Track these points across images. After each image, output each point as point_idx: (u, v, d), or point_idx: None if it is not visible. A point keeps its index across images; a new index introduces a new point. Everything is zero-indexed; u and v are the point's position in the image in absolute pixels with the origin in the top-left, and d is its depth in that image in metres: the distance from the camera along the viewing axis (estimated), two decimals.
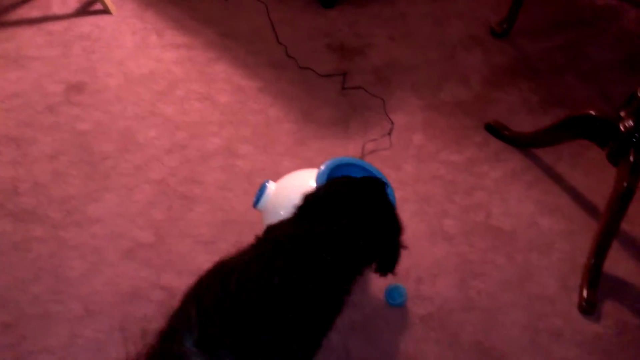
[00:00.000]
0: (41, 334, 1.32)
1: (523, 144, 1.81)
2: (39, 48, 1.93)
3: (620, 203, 1.50)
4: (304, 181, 1.40)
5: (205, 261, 1.46)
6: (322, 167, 1.39)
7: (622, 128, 1.51)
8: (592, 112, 1.59)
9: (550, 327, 1.44)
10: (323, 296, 1.08)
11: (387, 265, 1.27)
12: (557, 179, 1.76)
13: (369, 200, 1.22)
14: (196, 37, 2.02)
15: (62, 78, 1.84)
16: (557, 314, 1.46)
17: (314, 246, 1.09)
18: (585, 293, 1.47)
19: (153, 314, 1.36)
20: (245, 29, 2.08)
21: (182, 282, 1.40)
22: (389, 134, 1.81)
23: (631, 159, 1.49)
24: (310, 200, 1.21)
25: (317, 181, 1.37)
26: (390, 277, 1.47)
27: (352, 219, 1.15)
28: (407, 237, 1.56)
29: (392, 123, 1.84)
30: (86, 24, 2.02)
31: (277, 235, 1.13)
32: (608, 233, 1.51)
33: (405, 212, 1.61)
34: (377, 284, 1.47)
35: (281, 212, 1.34)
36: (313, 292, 1.04)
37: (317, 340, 1.08)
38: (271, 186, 1.42)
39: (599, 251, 1.50)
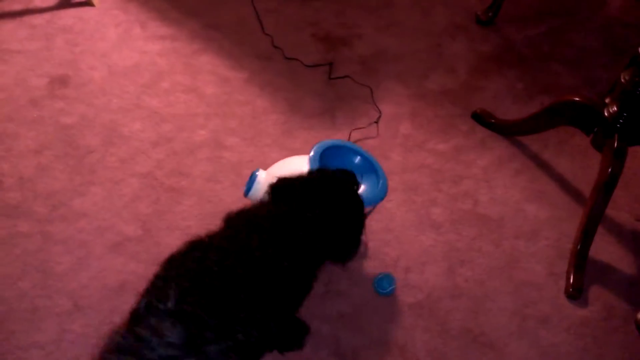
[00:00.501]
0: (30, 329, 1.31)
1: (509, 131, 1.82)
2: (21, 41, 1.90)
3: (605, 189, 1.51)
4: (294, 168, 1.40)
5: None
6: (312, 152, 1.40)
7: (606, 114, 1.53)
8: (577, 99, 1.60)
9: (537, 313, 1.45)
10: (298, 274, 1.11)
11: (343, 255, 1.29)
12: (543, 166, 1.77)
13: (340, 195, 1.24)
14: (180, 29, 2.00)
15: (45, 72, 1.82)
16: (544, 299, 1.48)
17: (288, 226, 1.12)
18: (571, 279, 1.49)
19: None
20: (229, 20, 2.07)
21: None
22: (377, 122, 1.81)
23: (615, 144, 1.50)
24: (286, 185, 1.24)
25: (310, 164, 1.38)
26: (379, 266, 1.49)
27: (325, 210, 1.17)
28: (395, 226, 1.57)
29: (380, 111, 1.84)
30: (68, 16, 1.99)
31: (253, 215, 1.15)
32: (593, 219, 1.52)
33: (393, 201, 1.61)
34: (365, 273, 1.47)
35: None
36: (289, 270, 1.07)
37: (290, 317, 1.13)
38: (261, 175, 1.42)
39: (585, 237, 1.52)
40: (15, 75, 1.80)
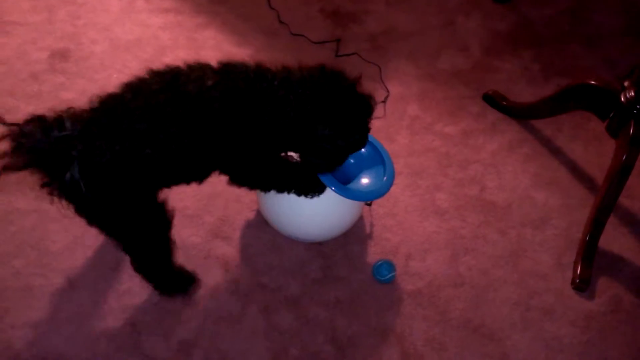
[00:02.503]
0: (23, 307, 1.31)
1: (521, 114, 1.75)
2: (23, 13, 1.87)
3: (618, 177, 1.45)
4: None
5: (190, 235, 1.45)
6: None
7: (622, 99, 1.45)
8: (593, 82, 1.53)
9: (542, 305, 1.41)
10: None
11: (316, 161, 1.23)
12: (556, 151, 1.70)
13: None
14: (184, 2, 1.95)
15: (46, 45, 1.78)
16: (550, 290, 1.43)
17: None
18: (579, 270, 1.44)
19: (137, 288, 1.34)
20: None
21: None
22: (384, 101, 1.75)
23: (631, 131, 1.43)
24: None
25: None
26: (379, 252, 1.45)
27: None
28: (398, 211, 1.53)
29: (388, 91, 1.78)
30: None
31: None
32: (605, 208, 1.46)
33: (397, 185, 1.56)
34: (365, 259, 1.44)
35: None
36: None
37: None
38: None
39: (595, 226, 1.46)
40: (16, 48, 1.77)
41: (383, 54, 1.89)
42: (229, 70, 1.14)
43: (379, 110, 1.73)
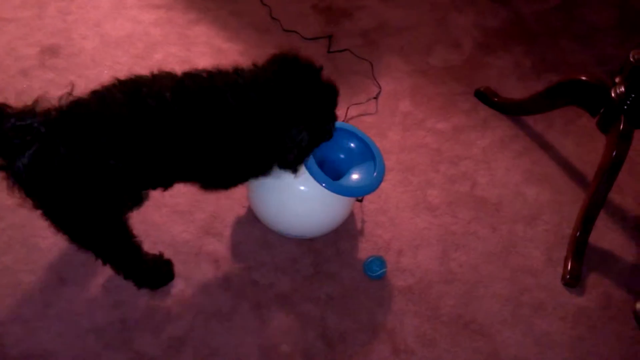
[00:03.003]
0: (14, 304, 1.30)
1: (513, 111, 1.75)
2: (14, 9, 1.85)
3: (609, 172, 1.45)
4: None
5: (181, 231, 1.44)
6: None
7: (613, 94, 1.45)
8: (584, 78, 1.53)
9: (532, 300, 1.41)
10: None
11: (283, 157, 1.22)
12: (547, 147, 1.70)
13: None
14: None
15: (36, 41, 1.77)
16: (541, 286, 1.43)
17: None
18: (569, 266, 1.44)
19: (127, 284, 1.33)
20: None
21: (157, 253, 1.37)
22: (376, 98, 1.75)
23: (621, 126, 1.44)
24: None
25: None
26: (370, 248, 1.45)
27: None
28: (389, 207, 1.53)
29: (380, 87, 1.78)
30: None
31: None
32: (595, 204, 1.46)
33: (388, 182, 1.56)
34: (356, 256, 1.44)
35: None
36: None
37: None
38: None
39: (586, 222, 1.46)
40: (5, 44, 1.76)
41: (375, 50, 1.88)
42: (185, 84, 1.13)
43: (370, 107, 1.73)
